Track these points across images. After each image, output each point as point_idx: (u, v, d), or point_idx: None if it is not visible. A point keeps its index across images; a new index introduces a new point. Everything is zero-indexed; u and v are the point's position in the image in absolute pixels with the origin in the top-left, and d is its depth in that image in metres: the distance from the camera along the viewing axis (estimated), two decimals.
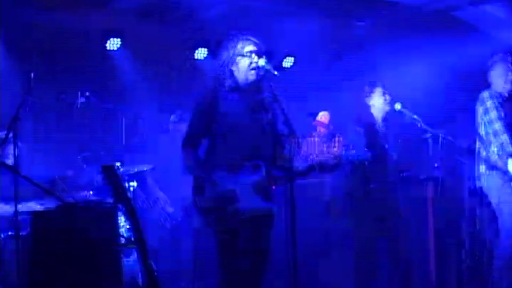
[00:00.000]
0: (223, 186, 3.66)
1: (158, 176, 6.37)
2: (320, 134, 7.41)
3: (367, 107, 4.97)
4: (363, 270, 4.84)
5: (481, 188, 5.23)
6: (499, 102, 5.05)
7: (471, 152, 5.29)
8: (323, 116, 7.48)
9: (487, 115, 5.05)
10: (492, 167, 5.09)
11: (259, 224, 3.79)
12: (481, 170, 5.19)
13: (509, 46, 6.53)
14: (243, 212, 3.67)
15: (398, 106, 5.19)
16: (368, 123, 4.93)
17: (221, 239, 3.73)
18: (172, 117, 6.55)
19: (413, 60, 7.14)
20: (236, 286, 3.71)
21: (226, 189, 3.65)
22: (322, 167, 3.93)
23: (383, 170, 4.85)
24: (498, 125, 4.98)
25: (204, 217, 3.78)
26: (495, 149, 5.00)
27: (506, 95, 5.14)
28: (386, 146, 4.90)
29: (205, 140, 3.82)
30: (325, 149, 7.27)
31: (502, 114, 5.02)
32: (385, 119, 4.98)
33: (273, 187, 3.84)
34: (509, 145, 4.92)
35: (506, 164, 4.95)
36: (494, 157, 5.03)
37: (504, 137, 4.94)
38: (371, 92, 4.98)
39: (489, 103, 5.05)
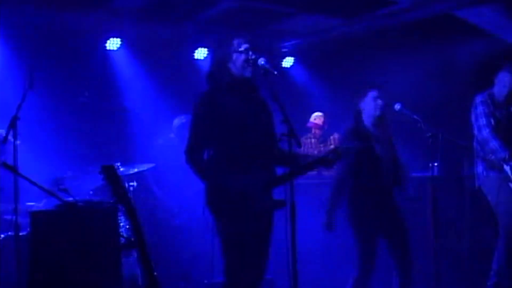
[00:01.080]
0: (236, 186, 3.66)
1: (160, 176, 6.37)
2: (316, 135, 7.43)
3: (359, 110, 4.94)
4: (362, 271, 4.82)
5: (480, 187, 5.24)
6: (490, 110, 5.07)
7: (472, 151, 5.31)
8: (317, 118, 7.47)
9: (478, 121, 5.11)
10: (489, 167, 5.11)
11: (269, 222, 3.85)
12: (479, 170, 5.21)
13: (510, 47, 6.56)
14: (258, 211, 3.70)
15: (398, 106, 5.18)
16: (358, 127, 4.89)
17: (234, 238, 3.72)
18: (176, 121, 6.53)
19: (413, 60, 7.15)
20: (242, 282, 3.73)
21: (240, 189, 3.66)
22: (323, 161, 3.91)
23: (373, 172, 4.81)
24: (486, 132, 5.03)
25: (218, 217, 3.78)
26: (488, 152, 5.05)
27: (503, 99, 5.16)
28: (377, 149, 4.84)
29: (209, 143, 3.81)
30: (322, 149, 7.29)
31: (492, 121, 5.04)
32: (375, 123, 4.93)
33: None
34: (500, 151, 4.95)
35: (501, 165, 4.97)
36: (490, 157, 5.05)
37: (493, 144, 4.98)
38: (364, 95, 4.94)
39: (479, 109, 5.10)
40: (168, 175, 6.27)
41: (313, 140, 7.44)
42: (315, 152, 7.29)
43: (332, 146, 7.01)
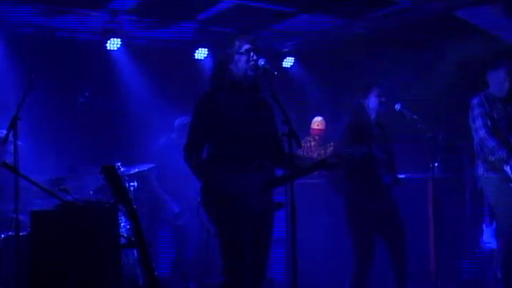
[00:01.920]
0: (233, 187, 3.66)
1: (162, 176, 6.36)
2: (315, 139, 7.41)
3: (362, 107, 4.95)
4: (360, 267, 4.83)
5: (481, 188, 5.24)
6: (486, 111, 5.07)
7: (472, 152, 5.30)
8: (319, 123, 7.46)
9: (474, 123, 5.11)
10: (489, 169, 5.10)
11: (268, 222, 3.85)
12: (479, 172, 5.20)
13: (510, 47, 6.55)
14: (253, 212, 3.70)
15: (398, 106, 5.19)
16: (362, 123, 4.90)
17: (231, 239, 3.72)
18: (178, 121, 6.53)
19: (413, 60, 7.15)
20: (240, 284, 3.72)
21: (236, 189, 3.66)
22: (324, 165, 3.90)
23: (370, 169, 4.82)
24: (482, 133, 5.03)
25: (214, 218, 3.78)
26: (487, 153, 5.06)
27: (501, 97, 5.15)
28: (375, 146, 4.85)
29: (208, 142, 3.81)
30: (322, 151, 7.29)
31: (489, 121, 5.05)
32: (377, 120, 4.95)
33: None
34: (497, 151, 4.95)
35: (501, 166, 4.97)
36: (490, 158, 5.05)
37: (490, 144, 4.98)
38: (368, 92, 4.96)
39: (476, 111, 5.10)
40: (170, 175, 6.27)
41: (312, 143, 7.42)
42: (315, 155, 7.29)
43: (331, 148, 6.99)
